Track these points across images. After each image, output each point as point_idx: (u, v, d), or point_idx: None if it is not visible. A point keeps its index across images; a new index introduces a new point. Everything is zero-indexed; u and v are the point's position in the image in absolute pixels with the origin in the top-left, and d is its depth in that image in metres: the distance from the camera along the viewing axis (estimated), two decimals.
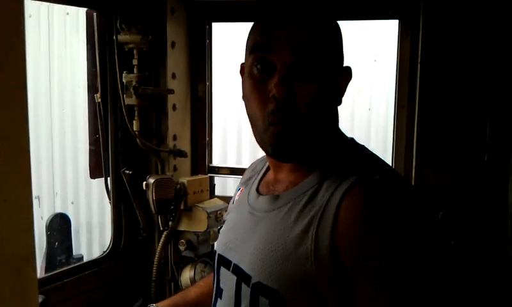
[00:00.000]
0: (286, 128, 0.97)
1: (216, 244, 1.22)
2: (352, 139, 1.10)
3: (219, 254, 1.15)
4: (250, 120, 1.05)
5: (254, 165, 1.30)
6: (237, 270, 1.05)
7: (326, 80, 0.99)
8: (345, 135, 1.10)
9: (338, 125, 1.10)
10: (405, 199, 0.93)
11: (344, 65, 1.08)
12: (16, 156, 0.94)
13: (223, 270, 1.12)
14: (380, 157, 1.06)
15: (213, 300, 1.16)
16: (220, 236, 1.22)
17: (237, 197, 1.25)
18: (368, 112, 3.24)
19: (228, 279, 1.08)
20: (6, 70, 0.92)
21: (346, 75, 1.07)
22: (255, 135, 1.06)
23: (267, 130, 0.99)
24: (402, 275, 0.87)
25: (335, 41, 1.04)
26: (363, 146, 1.08)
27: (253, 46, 1.00)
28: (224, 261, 1.11)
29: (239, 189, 1.26)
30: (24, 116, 1.02)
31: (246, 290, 1.01)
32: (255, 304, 0.98)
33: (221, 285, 1.12)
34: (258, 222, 1.06)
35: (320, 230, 0.92)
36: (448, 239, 1.86)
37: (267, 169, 1.19)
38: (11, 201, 0.91)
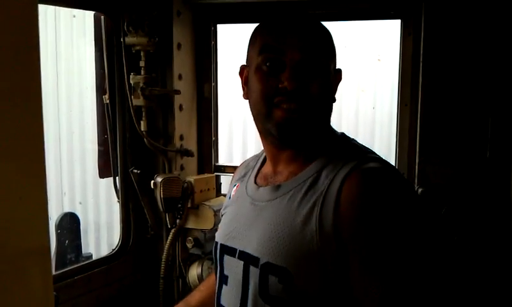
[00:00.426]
0: (292, 112, 1.08)
1: (216, 235, 1.28)
2: (343, 134, 1.21)
3: (221, 244, 1.22)
4: (253, 110, 1.15)
5: (246, 163, 1.39)
6: (243, 256, 1.13)
7: (326, 78, 1.12)
8: (335, 130, 1.21)
9: (330, 120, 1.21)
10: (399, 184, 1.05)
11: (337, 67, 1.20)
12: (32, 155, 0.98)
13: (226, 258, 1.19)
14: (377, 152, 1.16)
15: (217, 288, 1.22)
16: (220, 228, 1.29)
17: (233, 193, 1.32)
18: (373, 110, 3.26)
19: (234, 266, 1.15)
20: (22, 73, 0.96)
21: (338, 76, 1.20)
22: (257, 124, 1.16)
23: (271, 113, 1.09)
24: (395, 253, 0.97)
25: (332, 46, 1.16)
26: (353, 139, 1.19)
27: (264, 48, 1.10)
28: (228, 250, 1.18)
29: (235, 185, 1.34)
30: (39, 116, 1.06)
31: (254, 272, 1.08)
32: (265, 282, 1.06)
33: (226, 272, 1.19)
34: (262, 210, 1.14)
35: (323, 212, 1.02)
36: (451, 235, 1.89)
37: (262, 164, 1.28)
38: (26, 197, 0.95)
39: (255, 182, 1.24)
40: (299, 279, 1.03)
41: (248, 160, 1.40)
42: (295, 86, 1.06)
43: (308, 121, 1.10)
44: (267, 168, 1.23)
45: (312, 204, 1.05)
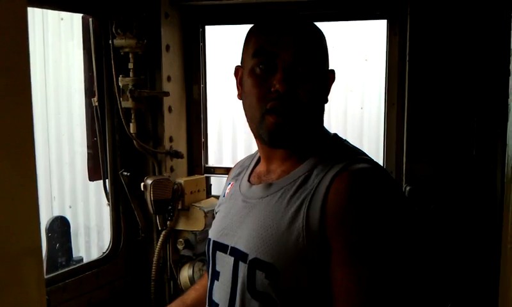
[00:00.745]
0: (282, 118, 1.10)
1: (209, 232, 1.31)
2: (335, 134, 1.23)
3: (214, 241, 1.25)
4: (247, 113, 1.17)
5: (241, 162, 1.42)
6: (234, 252, 1.15)
7: (319, 80, 1.14)
8: (327, 130, 1.23)
9: (323, 120, 1.23)
10: (385, 186, 1.07)
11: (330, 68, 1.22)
12: (22, 156, 0.99)
13: (219, 254, 1.21)
14: (365, 152, 1.19)
15: (209, 284, 1.24)
16: (213, 225, 1.31)
17: (227, 191, 1.35)
18: (361, 110, 3.29)
19: (225, 262, 1.18)
20: (12, 75, 0.96)
21: (332, 76, 1.22)
22: (251, 127, 1.18)
23: (264, 120, 1.11)
24: (374, 252, 1.00)
25: (324, 47, 1.18)
26: (345, 140, 1.22)
27: (257, 51, 1.12)
28: (220, 246, 1.21)
29: (229, 184, 1.37)
30: (29, 117, 1.06)
31: (243, 267, 1.11)
32: (252, 278, 1.08)
33: (218, 268, 1.21)
34: (253, 207, 1.17)
35: (311, 209, 1.05)
36: (439, 232, 1.91)
37: (256, 164, 1.30)
38: (18, 198, 0.96)
39: (249, 180, 1.26)
40: (285, 275, 1.04)
41: (243, 159, 1.43)
42: (286, 88, 1.08)
43: (299, 125, 1.12)
44: (261, 167, 1.26)
45: (300, 203, 1.07)
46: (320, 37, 1.16)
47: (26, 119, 1.03)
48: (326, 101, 1.20)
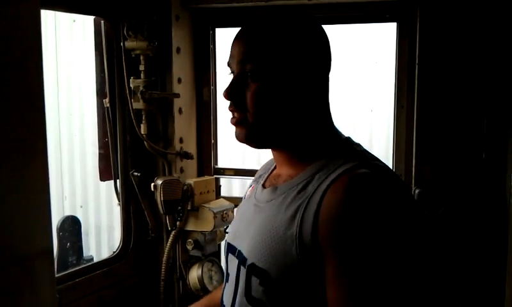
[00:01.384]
0: (236, 127, 1.13)
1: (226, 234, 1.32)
2: (348, 138, 1.17)
3: (228, 243, 1.25)
4: None
5: (265, 164, 1.40)
6: (239, 255, 1.16)
7: (270, 78, 1.07)
8: (340, 134, 1.17)
9: (329, 123, 1.16)
10: (386, 193, 0.98)
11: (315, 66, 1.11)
12: (35, 158, 1.01)
13: (230, 256, 1.22)
14: (376, 155, 1.13)
15: (224, 284, 1.26)
16: (230, 227, 1.33)
17: (248, 193, 1.35)
18: (370, 113, 3.29)
19: (233, 264, 1.18)
20: (25, 76, 0.98)
21: (310, 71, 1.09)
22: None
23: None
24: (368, 266, 0.92)
25: (285, 45, 1.08)
26: (357, 144, 1.15)
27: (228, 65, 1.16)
28: (232, 249, 1.21)
29: (251, 186, 1.36)
30: (41, 119, 1.08)
31: (243, 271, 1.11)
32: (249, 283, 1.08)
33: (228, 270, 1.22)
34: (260, 211, 1.16)
35: (305, 216, 1.00)
36: (448, 235, 1.91)
37: (275, 167, 1.28)
38: (30, 200, 0.98)
39: (264, 183, 1.25)
40: (279, 283, 1.01)
41: (267, 162, 1.41)
42: (228, 99, 1.11)
43: (256, 128, 1.09)
44: (275, 170, 1.25)
45: (296, 208, 1.03)
46: (276, 37, 1.08)
47: (38, 122, 1.05)
48: (312, 101, 1.11)
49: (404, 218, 0.98)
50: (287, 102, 1.09)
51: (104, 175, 2.28)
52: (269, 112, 1.09)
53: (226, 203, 2.27)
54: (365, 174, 0.99)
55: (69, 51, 4.02)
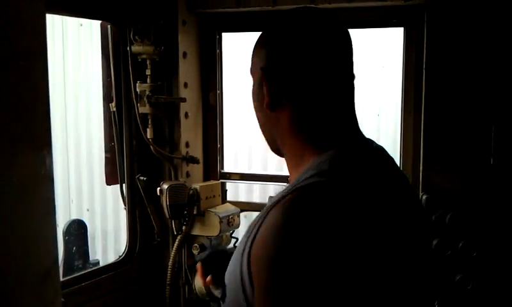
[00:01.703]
0: None
1: None
2: (340, 148, 1.00)
3: None
4: None
5: None
6: None
7: (254, 85, 1.08)
8: (348, 142, 1.02)
9: (324, 130, 1.02)
10: (291, 223, 0.86)
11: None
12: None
13: None
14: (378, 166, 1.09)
15: None
16: None
17: None
18: (377, 117, 3.29)
19: None
20: (30, 80, 0.98)
21: (264, 76, 1.03)
22: None
23: None
24: (284, 298, 0.83)
25: (262, 46, 1.05)
26: (355, 153, 1.01)
27: None
28: None
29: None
30: (47, 120, 1.08)
31: None
32: (223, 294, 1.02)
33: None
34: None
35: (256, 236, 0.91)
36: (457, 241, 1.89)
37: None
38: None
39: None
40: (228, 301, 0.97)
41: None
42: None
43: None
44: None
45: (253, 225, 0.94)
46: (261, 39, 1.06)
47: (44, 122, 1.05)
48: (263, 106, 1.04)
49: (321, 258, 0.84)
50: (262, 115, 1.09)
51: (110, 179, 2.28)
52: (258, 120, 1.12)
53: (232, 208, 2.26)
54: (299, 197, 0.89)
55: (76, 55, 4.04)
